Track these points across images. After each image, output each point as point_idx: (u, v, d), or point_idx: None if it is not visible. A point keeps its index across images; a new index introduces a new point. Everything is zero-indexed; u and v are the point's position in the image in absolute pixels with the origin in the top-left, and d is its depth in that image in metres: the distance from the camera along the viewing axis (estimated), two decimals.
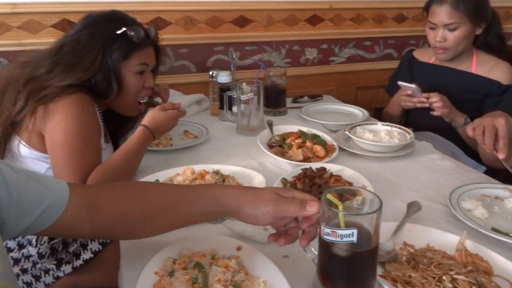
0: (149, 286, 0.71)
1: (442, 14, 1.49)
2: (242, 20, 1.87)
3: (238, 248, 0.81)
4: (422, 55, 1.78)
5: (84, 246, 1.21)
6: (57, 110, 1.09)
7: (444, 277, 0.69)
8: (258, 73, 1.50)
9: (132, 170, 1.15)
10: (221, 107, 1.62)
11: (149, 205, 0.74)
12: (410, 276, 0.72)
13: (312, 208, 0.67)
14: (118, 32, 1.16)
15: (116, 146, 1.35)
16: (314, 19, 1.98)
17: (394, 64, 2.02)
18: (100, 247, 1.20)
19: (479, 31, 1.57)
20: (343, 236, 0.64)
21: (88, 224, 0.70)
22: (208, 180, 1.06)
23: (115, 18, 1.21)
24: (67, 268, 1.17)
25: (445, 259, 0.76)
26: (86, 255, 1.19)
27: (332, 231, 0.64)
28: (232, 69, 1.67)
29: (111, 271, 0.97)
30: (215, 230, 0.90)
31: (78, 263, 1.17)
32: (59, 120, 1.08)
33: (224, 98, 1.56)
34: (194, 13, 1.78)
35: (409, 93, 1.51)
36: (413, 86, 1.48)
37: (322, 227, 0.66)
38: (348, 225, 0.64)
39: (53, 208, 0.65)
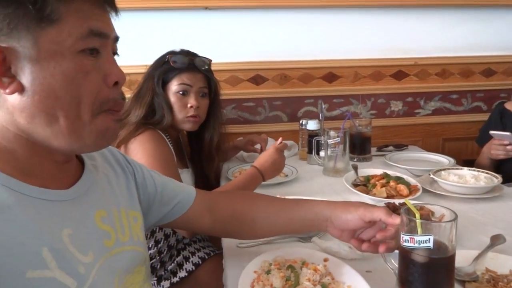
0: (250, 281, 0.85)
1: None
2: (330, 76, 2.07)
3: (325, 260, 0.92)
4: None
5: (180, 266, 1.39)
6: (135, 150, 1.31)
7: None
8: (344, 121, 1.65)
9: None
10: (309, 152, 1.78)
11: (257, 210, 0.91)
12: None
13: (397, 219, 0.78)
14: (165, 60, 1.42)
15: (197, 170, 1.58)
16: (399, 74, 2.11)
17: (483, 116, 2.03)
18: (194, 268, 1.38)
19: None
20: (420, 242, 0.72)
21: (208, 220, 0.89)
22: None
23: (168, 52, 1.46)
24: (166, 283, 1.36)
25: None
26: (182, 273, 1.37)
27: (410, 238, 0.74)
28: (320, 118, 1.84)
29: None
30: (304, 247, 1.02)
31: (175, 280, 1.36)
32: (139, 158, 1.25)
33: (312, 143, 1.73)
34: (288, 71, 2.03)
35: (505, 143, 1.53)
36: (507, 134, 1.50)
37: (402, 235, 0.76)
38: (424, 233, 0.73)
39: (183, 203, 0.87)
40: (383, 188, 1.36)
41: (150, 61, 1.52)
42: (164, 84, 1.43)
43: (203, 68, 1.46)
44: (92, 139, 0.62)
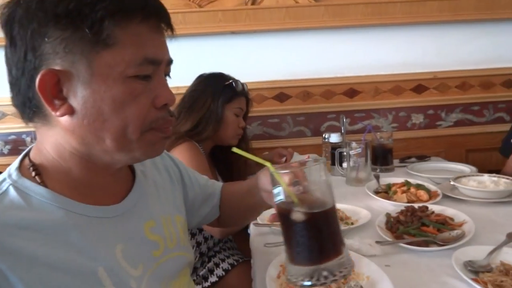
0: (276, 272, 0.93)
1: None
2: (351, 92, 2.15)
3: None
4: None
5: (211, 271, 1.48)
6: None
7: None
8: (365, 132, 1.73)
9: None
10: (333, 164, 1.85)
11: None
12: (501, 281, 0.82)
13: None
14: (226, 83, 1.58)
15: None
16: (419, 88, 2.17)
17: (506, 127, 2.04)
18: (224, 273, 1.46)
19: None
20: (276, 196, 0.66)
21: None
22: None
23: (223, 75, 1.64)
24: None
25: None
26: (213, 278, 1.46)
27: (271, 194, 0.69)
28: (342, 131, 1.92)
29: None
30: None
31: (206, 284, 1.44)
32: None
33: (335, 155, 1.81)
34: (310, 88, 2.13)
35: None
36: None
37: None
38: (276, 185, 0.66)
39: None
40: (404, 194, 1.42)
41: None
42: (224, 102, 1.59)
43: (248, 95, 1.69)
44: (141, 152, 0.63)
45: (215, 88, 1.59)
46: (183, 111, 1.57)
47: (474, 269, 0.89)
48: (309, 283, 0.64)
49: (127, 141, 0.61)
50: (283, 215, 0.68)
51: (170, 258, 0.73)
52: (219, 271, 1.49)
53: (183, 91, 1.65)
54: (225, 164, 1.76)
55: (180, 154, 1.46)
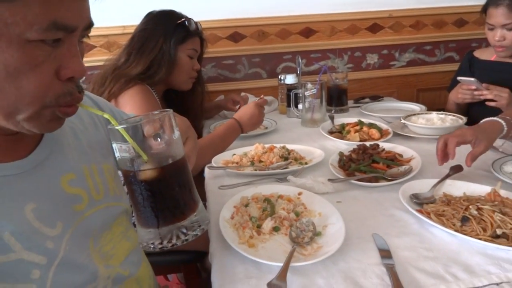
0: (230, 213, 0.93)
1: (499, 15, 1.58)
2: (307, 31, 2.10)
3: (299, 193, 1.01)
4: (482, 54, 1.85)
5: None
6: (126, 103, 1.37)
7: (470, 206, 0.82)
8: (320, 73, 1.71)
9: (216, 152, 1.34)
10: (288, 105, 1.84)
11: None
12: (443, 210, 0.86)
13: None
14: (178, 22, 1.48)
15: None
16: (375, 27, 2.15)
17: (455, 67, 2.09)
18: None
19: None
20: (120, 152, 0.60)
21: None
22: (276, 152, 1.27)
23: (174, 13, 1.53)
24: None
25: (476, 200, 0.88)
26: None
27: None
28: (298, 72, 1.89)
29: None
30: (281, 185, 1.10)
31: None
32: (130, 110, 1.30)
33: (291, 96, 1.79)
34: (265, 27, 2.05)
35: (472, 87, 1.61)
36: (472, 79, 1.57)
37: None
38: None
39: None
40: (357, 133, 1.44)
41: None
42: (177, 43, 1.48)
43: (203, 34, 1.59)
44: (32, 126, 0.54)
45: (167, 27, 1.48)
46: (133, 52, 1.46)
47: (419, 201, 0.93)
48: (160, 245, 0.61)
49: (19, 115, 0.52)
50: (128, 173, 0.61)
51: (99, 210, 0.69)
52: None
53: (131, 31, 1.53)
54: (181, 108, 1.70)
55: (131, 98, 1.38)
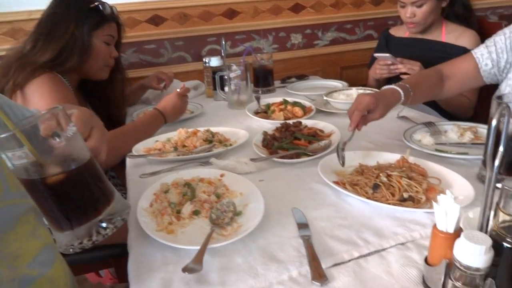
0: (149, 201, 0.89)
1: None
2: (230, 13, 2.07)
3: (221, 175, 0.99)
4: (397, 31, 1.95)
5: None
6: (33, 94, 1.26)
7: (381, 174, 0.86)
8: (244, 54, 1.69)
9: (138, 140, 1.28)
10: (215, 88, 1.81)
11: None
12: (358, 180, 0.89)
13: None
14: (92, 5, 1.38)
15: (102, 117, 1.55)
16: (297, 7, 2.17)
17: (375, 44, 2.18)
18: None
19: (444, 4, 1.74)
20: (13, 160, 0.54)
21: None
22: (199, 136, 1.24)
23: None
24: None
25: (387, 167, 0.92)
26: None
27: None
28: (223, 54, 1.86)
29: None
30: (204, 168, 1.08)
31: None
32: (37, 101, 1.24)
33: (216, 79, 1.76)
34: (187, 9, 1.99)
35: (388, 63, 1.68)
36: (387, 55, 1.65)
37: None
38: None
39: None
40: (281, 112, 1.45)
41: (35, 6, 1.39)
42: (91, 29, 1.37)
43: (119, 19, 1.49)
44: None
45: (79, 11, 1.37)
46: (41, 38, 1.33)
47: (337, 173, 0.95)
48: (80, 245, 0.58)
49: None
50: (27, 182, 0.56)
51: None
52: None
53: (38, 16, 1.40)
54: (100, 98, 1.60)
55: (39, 87, 1.26)
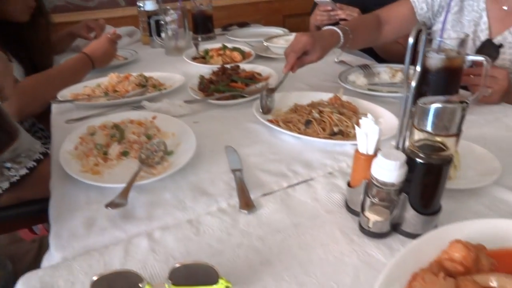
0: (73, 144, 0.84)
1: None
2: None
3: (154, 117, 0.95)
4: None
5: (18, 163, 1.30)
6: None
7: (313, 110, 0.86)
8: None
9: (64, 85, 1.19)
10: (151, 35, 1.71)
11: None
12: (291, 117, 0.89)
13: None
14: None
15: (26, 65, 1.42)
16: None
17: None
18: (35, 164, 1.30)
19: None
20: None
21: None
22: (132, 80, 1.18)
23: None
24: (4, 184, 1.27)
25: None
26: (22, 171, 1.29)
27: None
28: None
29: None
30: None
31: (15, 178, 1.27)
32: None
33: (151, 24, 1.66)
34: None
35: (328, 8, 1.66)
36: (327, 0, 1.63)
37: None
38: None
39: None
40: (220, 57, 1.41)
41: None
42: None
43: None
44: None
45: None
46: None
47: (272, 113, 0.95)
48: None
49: None
50: None
51: None
52: (29, 163, 1.31)
53: None
54: (22, 44, 1.45)
55: None
